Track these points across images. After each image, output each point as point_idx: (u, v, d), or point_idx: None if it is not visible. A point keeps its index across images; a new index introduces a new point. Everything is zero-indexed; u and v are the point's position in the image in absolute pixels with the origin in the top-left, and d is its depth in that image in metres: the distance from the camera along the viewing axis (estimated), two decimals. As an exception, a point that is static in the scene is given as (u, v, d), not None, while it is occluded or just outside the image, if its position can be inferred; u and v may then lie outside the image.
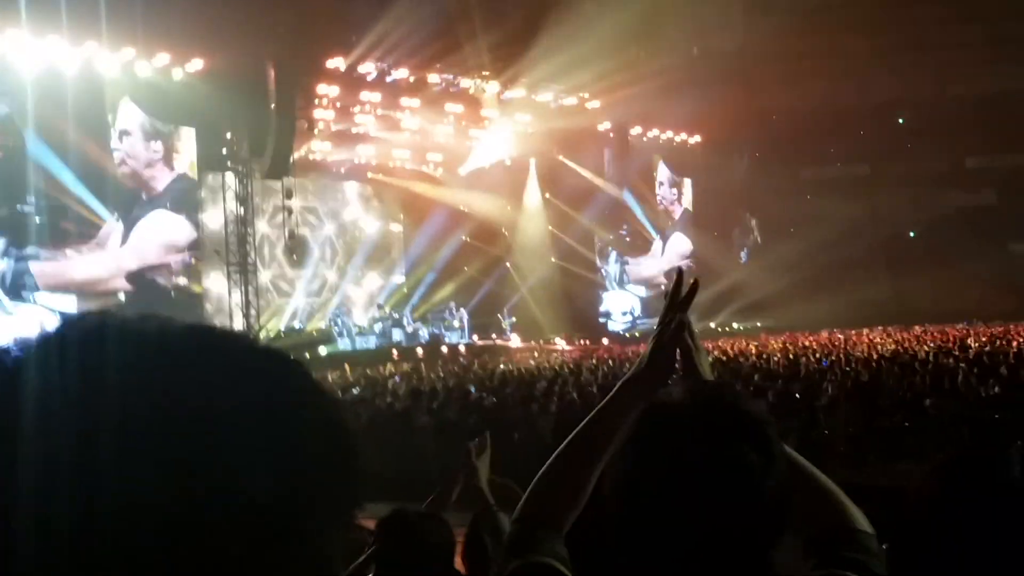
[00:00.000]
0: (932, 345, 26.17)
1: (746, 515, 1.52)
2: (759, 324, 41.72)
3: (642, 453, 1.57)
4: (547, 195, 39.79)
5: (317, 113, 32.35)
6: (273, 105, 29.22)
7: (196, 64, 28.03)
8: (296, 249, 33.56)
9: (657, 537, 1.50)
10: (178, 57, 27.86)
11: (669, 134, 44.97)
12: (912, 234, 52.00)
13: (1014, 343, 24.82)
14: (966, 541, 1.55)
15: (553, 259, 39.69)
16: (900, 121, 52.86)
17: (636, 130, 42.19)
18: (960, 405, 16.12)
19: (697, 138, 46.01)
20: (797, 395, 15.39)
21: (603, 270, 43.28)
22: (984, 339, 27.39)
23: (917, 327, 37.27)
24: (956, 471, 1.56)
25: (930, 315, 40.39)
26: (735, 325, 43.42)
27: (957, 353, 22.03)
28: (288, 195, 32.93)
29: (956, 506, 1.47)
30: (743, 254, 49.58)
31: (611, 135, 40.67)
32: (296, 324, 33.48)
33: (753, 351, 27.95)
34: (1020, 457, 1.47)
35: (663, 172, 46.43)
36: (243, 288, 30.07)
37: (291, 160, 31.33)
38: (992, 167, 52.82)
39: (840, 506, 1.79)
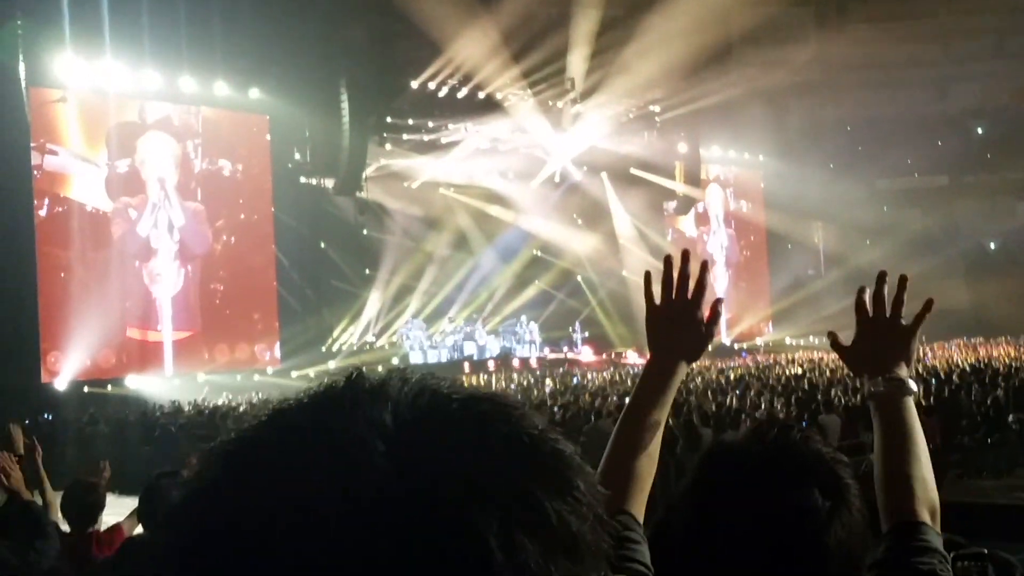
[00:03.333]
0: (1014, 358, 25.61)
1: (810, 561, 1.48)
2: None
3: (707, 497, 1.54)
4: (618, 208, 39.72)
5: (389, 131, 32.68)
6: (346, 123, 29.52)
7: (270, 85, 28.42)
8: (368, 264, 33.90)
9: None
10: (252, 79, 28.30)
11: (741, 148, 44.69)
12: (992, 245, 51.06)
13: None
14: None
15: (624, 272, 39.55)
16: (979, 131, 52.06)
17: (708, 143, 41.98)
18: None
19: (770, 151, 45.64)
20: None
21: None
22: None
23: (998, 341, 36.53)
24: None
25: (1010, 327, 39.60)
26: (811, 338, 42.91)
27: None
28: (361, 211, 33.30)
29: None
30: (811, 268, 49.03)
31: (684, 147, 40.52)
32: (370, 337, 33.74)
33: (831, 363, 27.57)
34: None
35: (731, 182, 46.11)
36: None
37: (363, 177, 31.70)
38: (1076, 177, 51.80)
39: (912, 492, 1.73)
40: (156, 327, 24.68)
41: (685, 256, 1.92)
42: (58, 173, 23.21)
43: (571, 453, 0.67)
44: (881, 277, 2.05)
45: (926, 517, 1.69)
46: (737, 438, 1.65)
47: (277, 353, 29.56)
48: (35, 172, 22.71)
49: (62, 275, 23.15)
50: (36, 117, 24.28)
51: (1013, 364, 22.95)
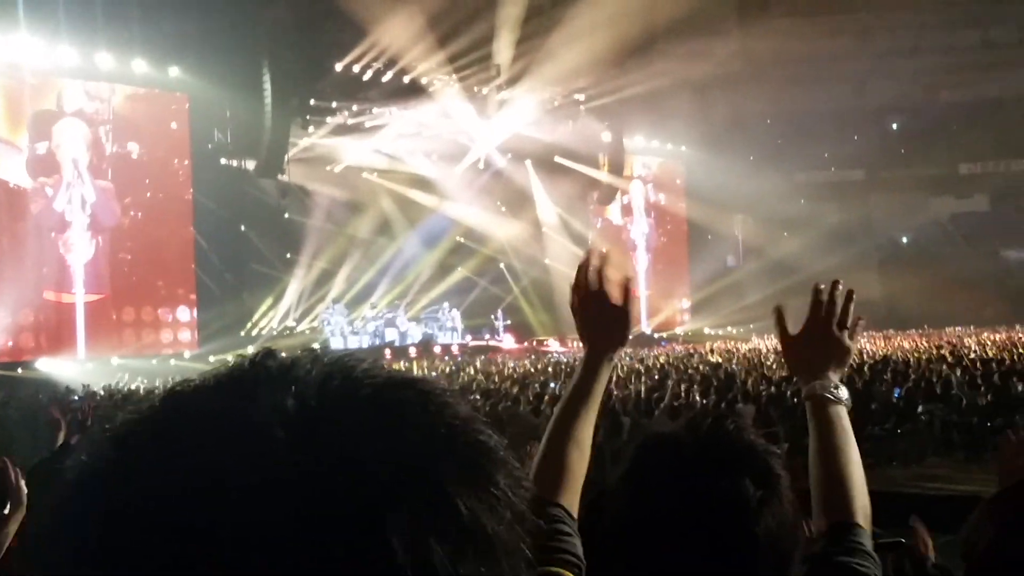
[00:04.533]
0: (924, 350, 26.18)
1: (744, 548, 1.50)
2: (752, 327, 41.73)
3: (640, 486, 1.55)
4: (542, 195, 39.81)
5: (312, 114, 32.40)
6: (268, 104, 29.27)
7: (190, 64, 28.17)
8: (290, 248, 33.60)
9: (654, 570, 1.47)
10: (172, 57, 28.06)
11: (664, 139, 45.05)
12: (904, 239, 52.13)
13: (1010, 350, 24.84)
14: None
15: (547, 260, 39.69)
16: (894, 127, 53.04)
17: (632, 133, 42.26)
18: (952, 411, 16.15)
19: (693, 141, 46.08)
20: (795, 399, 15.38)
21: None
22: (977, 346, 27.41)
23: (909, 333, 37.33)
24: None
25: (921, 320, 40.50)
26: (729, 328, 43.51)
27: (950, 359, 22.05)
28: (283, 194, 32.98)
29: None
30: (730, 258, 49.62)
31: (608, 136, 40.75)
32: (290, 322, 33.47)
33: (744, 354, 27.98)
34: None
35: (653, 174, 46.45)
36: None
37: (286, 159, 31.42)
38: (985, 173, 53.07)
39: (849, 496, 1.77)
40: (70, 290, 25.92)
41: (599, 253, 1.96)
42: None
43: (494, 445, 0.64)
44: (834, 285, 2.13)
45: (861, 520, 1.73)
46: (672, 428, 1.67)
47: (195, 335, 29.36)
48: None
49: None
50: None
51: (923, 356, 23.45)
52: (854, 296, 2.12)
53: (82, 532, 0.58)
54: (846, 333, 2.09)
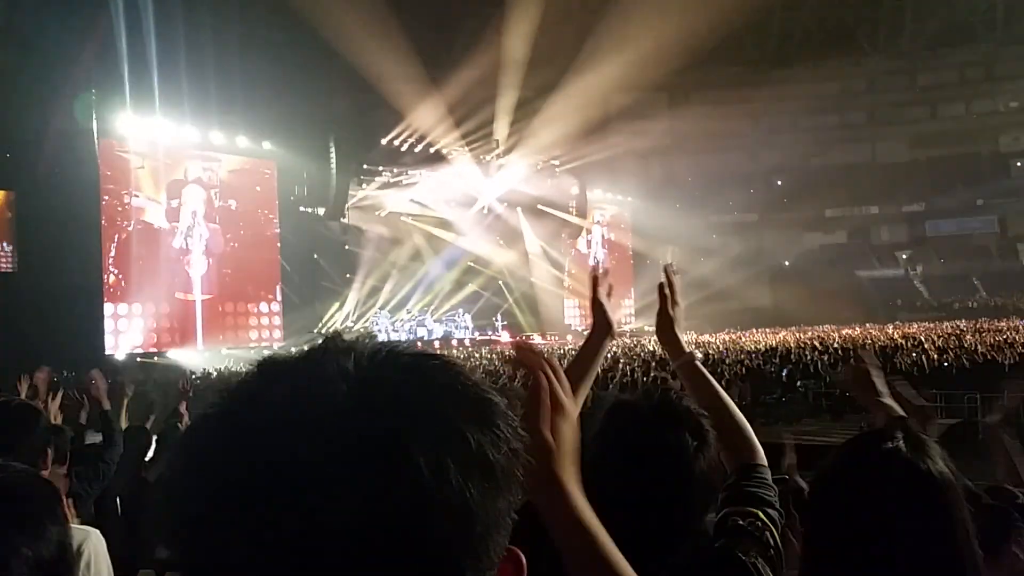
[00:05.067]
0: (801, 342, 26.18)
1: (684, 485, 1.50)
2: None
3: (608, 439, 1.55)
4: (529, 233, 39.82)
5: (365, 174, 32.43)
6: (334, 168, 29.34)
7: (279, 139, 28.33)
8: (349, 270, 33.55)
9: (617, 504, 1.47)
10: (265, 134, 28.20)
11: (616, 192, 45.09)
12: (787, 262, 52.25)
13: (861, 340, 24.84)
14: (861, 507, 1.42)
15: (532, 279, 39.68)
16: (779, 183, 53.21)
17: (592, 187, 42.29)
18: (820, 385, 16.14)
19: (636, 193, 46.13)
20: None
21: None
22: (839, 338, 27.40)
23: (791, 329, 37.32)
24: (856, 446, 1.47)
25: (799, 320, 40.56)
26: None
27: (818, 347, 22.05)
28: (344, 232, 32.97)
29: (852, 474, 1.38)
30: (663, 278, 49.51)
31: (575, 190, 40.80)
32: (349, 323, 33.38)
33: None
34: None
35: (608, 216, 46.47)
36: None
37: (346, 207, 31.44)
38: (843, 216, 53.27)
39: (748, 441, 1.75)
40: (191, 292, 26.95)
41: (595, 272, 1.96)
42: (139, 207, 25.81)
43: (497, 400, 0.64)
44: (666, 269, 2.07)
45: (760, 459, 1.72)
46: (632, 397, 1.67)
47: (281, 332, 29.37)
48: (127, 204, 25.34)
49: (140, 263, 25.40)
50: (108, 164, 24.66)
51: (801, 346, 23.48)
52: (670, 271, 2.05)
53: (206, 453, 0.58)
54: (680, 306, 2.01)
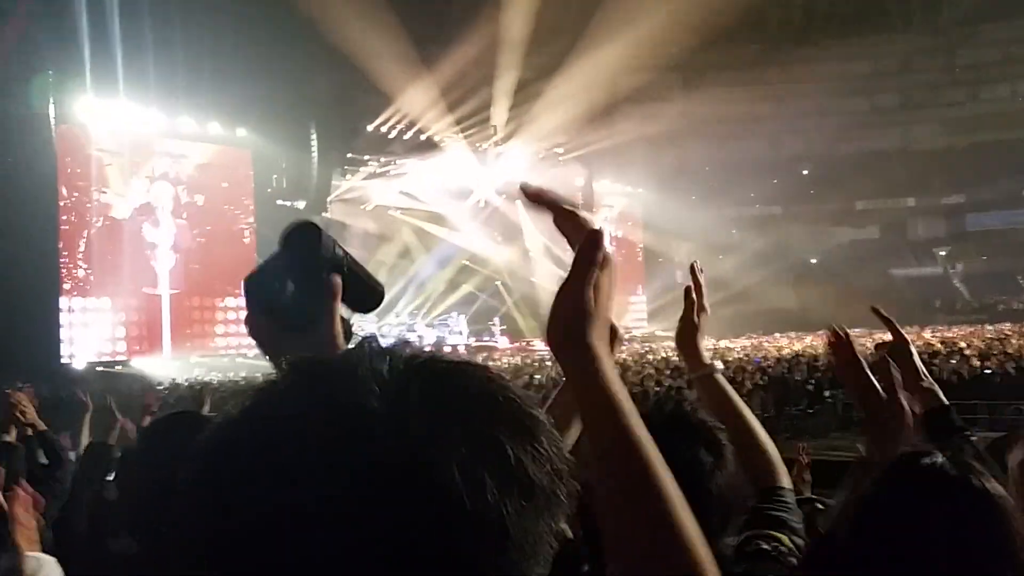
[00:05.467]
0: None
1: (699, 505, 1.50)
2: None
3: None
4: (530, 228, 39.84)
5: (349, 164, 32.43)
6: (315, 157, 29.34)
7: (254, 125, 28.39)
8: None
9: None
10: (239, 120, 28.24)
11: (626, 182, 45.14)
12: (813, 260, 52.25)
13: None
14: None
15: (533, 279, 39.71)
16: (804, 172, 53.22)
17: (600, 178, 42.34)
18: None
19: (648, 184, 46.17)
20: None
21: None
22: (871, 344, 27.33)
23: (819, 334, 37.32)
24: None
25: (827, 324, 40.41)
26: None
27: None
28: (326, 228, 32.88)
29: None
30: (679, 274, 49.55)
31: (580, 181, 40.84)
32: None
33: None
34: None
35: (617, 211, 46.51)
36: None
37: (328, 200, 31.45)
38: (876, 209, 53.25)
39: (771, 462, 1.76)
40: (157, 287, 27.76)
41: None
42: (105, 203, 26.59)
43: (541, 417, 0.64)
44: (692, 269, 2.03)
45: (784, 482, 1.72)
46: (643, 408, 1.67)
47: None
48: (96, 200, 26.27)
49: (105, 259, 26.26)
50: (68, 153, 24.97)
51: (828, 352, 23.37)
52: (700, 269, 2.01)
53: (232, 459, 0.59)
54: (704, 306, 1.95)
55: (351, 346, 0.70)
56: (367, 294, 1.19)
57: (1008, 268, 48.29)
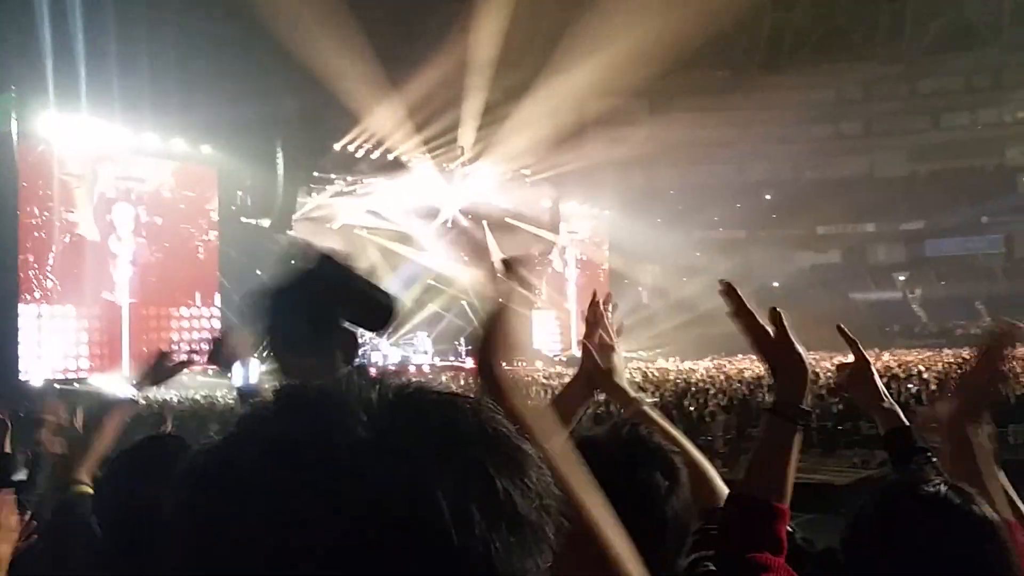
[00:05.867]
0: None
1: (656, 529, 1.51)
2: (658, 351, 41.88)
3: None
4: (496, 248, 39.86)
5: (315, 183, 32.32)
6: (280, 176, 29.23)
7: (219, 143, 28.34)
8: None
9: None
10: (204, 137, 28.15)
11: (592, 204, 45.37)
12: (776, 284, 52.79)
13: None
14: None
15: (500, 300, 39.62)
16: (768, 197, 53.79)
17: (566, 200, 42.53)
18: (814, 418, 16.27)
19: (614, 207, 46.46)
20: (691, 408, 15.47)
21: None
22: (830, 366, 27.63)
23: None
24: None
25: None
26: (641, 352, 43.59)
27: (810, 377, 22.22)
28: (291, 246, 32.80)
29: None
30: (645, 295, 49.76)
31: (547, 203, 41.00)
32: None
33: (656, 374, 28.05)
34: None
35: (584, 233, 46.70)
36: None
37: (293, 218, 31.31)
38: (837, 234, 54.00)
39: (710, 484, 1.78)
40: (116, 293, 28.01)
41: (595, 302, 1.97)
42: (75, 222, 27.02)
43: (531, 451, 0.63)
44: (594, 305, 2.11)
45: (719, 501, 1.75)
46: (599, 432, 1.68)
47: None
48: (65, 219, 26.81)
49: (74, 271, 26.86)
50: (30, 172, 25.04)
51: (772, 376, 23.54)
52: (609, 304, 2.09)
53: (212, 491, 0.59)
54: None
55: (341, 375, 0.64)
56: (374, 311, 1.20)
57: (966, 293, 49.08)
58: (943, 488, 1.35)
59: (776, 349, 1.54)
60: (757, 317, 1.56)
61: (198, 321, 30.09)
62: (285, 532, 0.55)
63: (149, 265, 28.89)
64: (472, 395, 0.66)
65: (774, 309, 1.59)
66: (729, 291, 1.59)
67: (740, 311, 1.59)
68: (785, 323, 1.56)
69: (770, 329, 1.54)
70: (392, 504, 0.55)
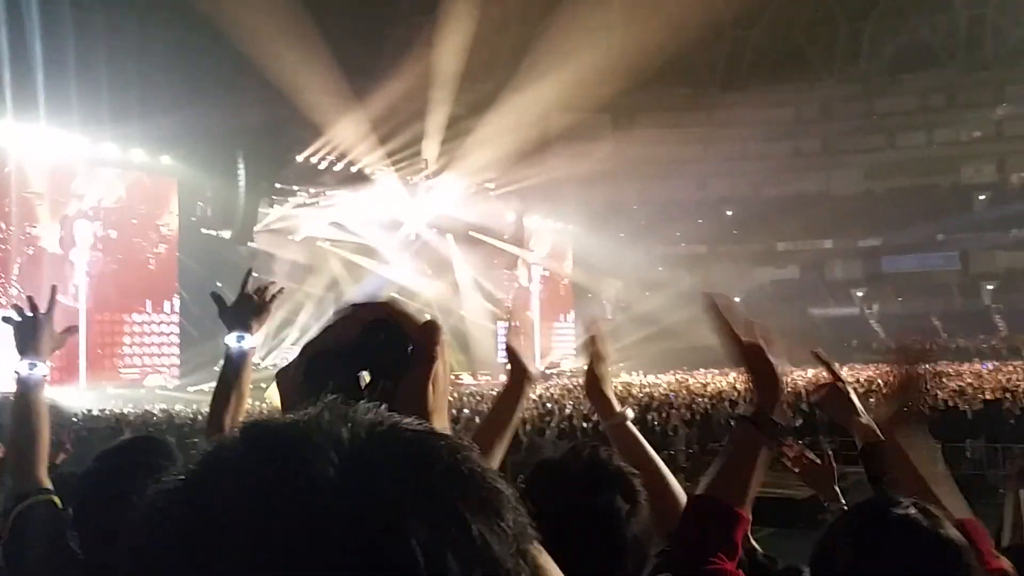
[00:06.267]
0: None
1: (615, 552, 1.50)
2: (621, 365, 42.03)
3: (534, 502, 1.53)
4: (460, 261, 39.83)
5: (277, 194, 32.10)
6: (242, 187, 28.98)
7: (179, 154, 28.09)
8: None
9: None
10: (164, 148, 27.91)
11: (556, 219, 45.51)
12: (736, 299, 53.05)
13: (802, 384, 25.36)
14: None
15: (463, 312, 39.62)
16: (729, 213, 54.27)
17: (530, 214, 42.64)
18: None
19: (578, 221, 46.62)
20: (654, 422, 15.52)
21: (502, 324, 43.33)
22: (791, 382, 27.92)
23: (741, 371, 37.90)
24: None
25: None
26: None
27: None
28: (252, 258, 32.48)
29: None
30: (609, 308, 49.94)
31: (511, 216, 41.07)
32: (256, 360, 32.69)
33: (620, 389, 28.12)
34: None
35: (548, 247, 46.81)
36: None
37: (255, 230, 31.04)
38: (796, 250, 54.59)
39: (679, 507, 1.78)
40: (75, 298, 27.98)
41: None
42: (37, 235, 27.55)
43: (507, 491, 0.61)
44: (589, 325, 2.17)
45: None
46: (558, 454, 1.68)
47: (178, 370, 29.10)
48: (28, 233, 27.51)
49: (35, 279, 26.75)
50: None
51: (750, 390, 23.80)
52: (600, 322, 2.14)
53: (172, 533, 0.55)
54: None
55: (311, 410, 0.61)
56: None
57: (923, 309, 49.90)
58: (912, 510, 1.36)
59: (756, 361, 1.56)
60: (737, 331, 1.57)
61: (149, 327, 30.08)
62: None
63: (105, 275, 28.77)
64: (444, 432, 0.64)
65: (751, 323, 1.60)
66: (712, 306, 1.60)
67: (722, 326, 1.60)
68: (762, 338, 1.58)
69: (750, 342, 1.56)
70: (363, 551, 0.53)
